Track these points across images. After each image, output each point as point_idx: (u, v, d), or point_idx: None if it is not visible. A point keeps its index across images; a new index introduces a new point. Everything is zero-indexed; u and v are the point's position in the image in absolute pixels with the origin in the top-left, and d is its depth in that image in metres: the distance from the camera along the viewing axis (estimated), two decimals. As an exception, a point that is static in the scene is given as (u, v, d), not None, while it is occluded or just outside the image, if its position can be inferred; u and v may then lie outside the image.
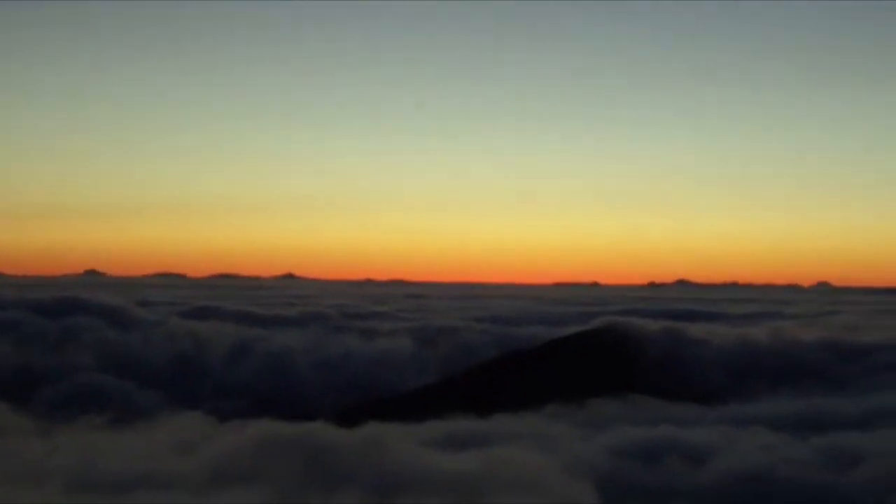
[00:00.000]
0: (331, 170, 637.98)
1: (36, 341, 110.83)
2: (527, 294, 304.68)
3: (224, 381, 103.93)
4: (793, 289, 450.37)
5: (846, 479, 46.65)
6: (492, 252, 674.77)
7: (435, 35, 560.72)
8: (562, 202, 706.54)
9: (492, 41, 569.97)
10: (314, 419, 51.53)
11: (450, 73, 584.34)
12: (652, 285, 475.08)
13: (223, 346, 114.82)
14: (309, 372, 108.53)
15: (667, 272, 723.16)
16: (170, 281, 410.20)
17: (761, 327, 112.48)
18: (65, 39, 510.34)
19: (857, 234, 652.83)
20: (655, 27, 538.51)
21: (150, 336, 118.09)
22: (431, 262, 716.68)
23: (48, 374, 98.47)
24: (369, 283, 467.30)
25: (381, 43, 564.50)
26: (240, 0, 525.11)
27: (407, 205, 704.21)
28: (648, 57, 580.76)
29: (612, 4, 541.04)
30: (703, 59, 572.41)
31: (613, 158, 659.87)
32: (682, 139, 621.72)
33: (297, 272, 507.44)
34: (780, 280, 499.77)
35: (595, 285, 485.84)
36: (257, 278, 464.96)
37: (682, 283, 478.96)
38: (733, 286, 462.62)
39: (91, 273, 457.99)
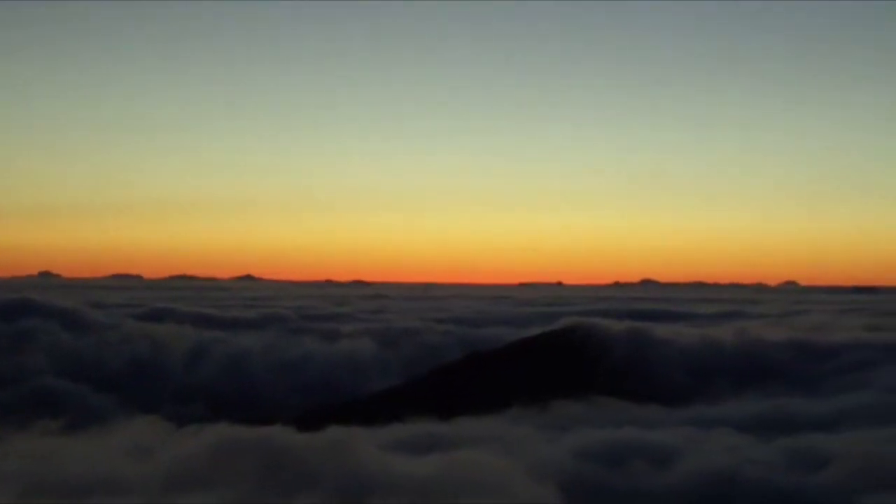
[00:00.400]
0: (289, 171, 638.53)
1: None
2: (490, 294, 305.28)
3: (181, 384, 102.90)
4: (759, 288, 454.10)
5: (813, 481, 46.31)
6: (454, 252, 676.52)
7: (392, 35, 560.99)
8: (525, 202, 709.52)
9: (451, 41, 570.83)
10: (273, 423, 50.53)
11: (408, 75, 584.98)
12: (617, 285, 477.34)
13: (180, 349, 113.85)
14: (268, 375, 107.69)
15: (632, 272, 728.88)
16: (126, 282, 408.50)
17: (727, 327, 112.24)
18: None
19: (824, 234, 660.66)
20: (607, 31, 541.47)
21: (105, 339, 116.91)
22: (392, 262, 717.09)
23: (1, 378, 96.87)
24: (329, 284, 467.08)
25: (343, 45, 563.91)
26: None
27: (367, 205, 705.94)
28: (613, 58, 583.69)
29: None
30: (664, 60, 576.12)
31: (577, 158, 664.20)
32: (647, 140, 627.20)
33: (256, 273, 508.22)
34: (747, 279, 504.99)
35: (559, 285, 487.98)
36: (215, 279, 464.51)
37: (647, 283, 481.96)
38: (699, 286, 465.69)
39: (45, 275, 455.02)
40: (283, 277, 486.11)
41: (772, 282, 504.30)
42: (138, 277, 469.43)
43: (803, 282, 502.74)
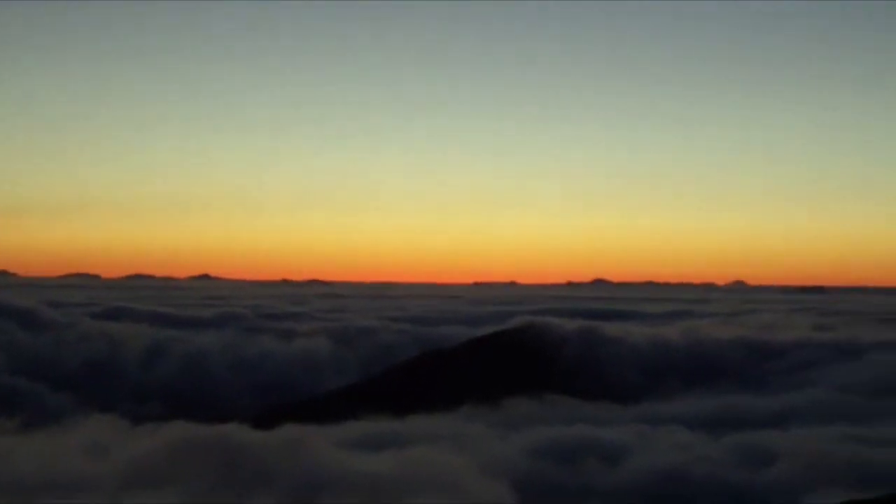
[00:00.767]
0: (246, 170, 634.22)
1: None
2: (445, 293, 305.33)
3: (139, 382, 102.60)
4: (708, 288, 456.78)
5: (761, 477, 47.19)
6: (409, 251, 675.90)
7: (347, 36, 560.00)
8: (478, 202, 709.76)
9: (411, 43, 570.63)
10: (230, 421, 51.01)
11: (363, 76, 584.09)
12: (570, 284, 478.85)
13: (137, 348, 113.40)
14: (225, 373, 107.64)
15: (584, 271, 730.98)
16: (82, 281, 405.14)
17: (677, 326, 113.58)
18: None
19: (772, 234, 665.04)
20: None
21: (62, 337, 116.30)
22: (348, 261, 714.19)
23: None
24: (285, 283, 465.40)
25: (300, 45, 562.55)
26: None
27: (322, 205, 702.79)
28: (568, 59, 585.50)
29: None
30: (618, 61, 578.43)
31: (530, 159, 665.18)
32: (598, 140, 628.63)
33: (213, 272, 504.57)
34: (696, 279, 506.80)
35: (513, 284, 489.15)
36: (172, 279, 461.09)
37: (599, 283, 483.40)
38: (650, 285, 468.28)
39: (1, 274, 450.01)
40: (240, 277, 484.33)
41: (721, 281, 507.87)
42: (95, 277, 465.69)
43: (752, 281, 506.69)
